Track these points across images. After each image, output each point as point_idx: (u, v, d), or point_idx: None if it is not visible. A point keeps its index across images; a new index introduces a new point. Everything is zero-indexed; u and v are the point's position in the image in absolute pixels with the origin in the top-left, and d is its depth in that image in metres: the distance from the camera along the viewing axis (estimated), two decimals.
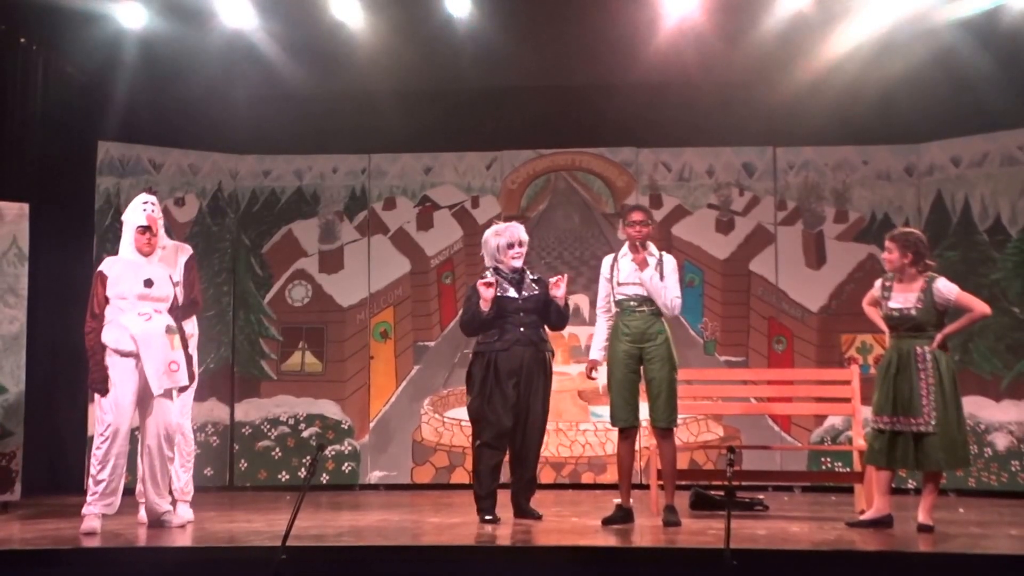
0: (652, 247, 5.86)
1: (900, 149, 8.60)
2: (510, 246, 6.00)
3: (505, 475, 6.07)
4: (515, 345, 5.91)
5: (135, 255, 5.73)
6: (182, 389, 5.78)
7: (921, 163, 8.53)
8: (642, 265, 5.72)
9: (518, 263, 6.01)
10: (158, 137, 8.63)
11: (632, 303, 5.76)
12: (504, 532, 5.50)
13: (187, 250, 6.18)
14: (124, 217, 5.86)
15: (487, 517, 5.84)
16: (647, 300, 5.73)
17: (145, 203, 5.77)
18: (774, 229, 8.71)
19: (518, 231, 6.04)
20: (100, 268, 5.74)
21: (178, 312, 5.82)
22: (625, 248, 5.86)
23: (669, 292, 5.75)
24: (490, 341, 5.95)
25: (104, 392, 5.55)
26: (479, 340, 6.01)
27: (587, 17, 8.06)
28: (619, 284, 5.81)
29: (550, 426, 8.81)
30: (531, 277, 6.07)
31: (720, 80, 8.52)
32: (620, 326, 5.78)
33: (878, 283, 5.77)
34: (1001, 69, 7.76)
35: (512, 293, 5.96)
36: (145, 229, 5.72)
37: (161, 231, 5.88)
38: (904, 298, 5.59)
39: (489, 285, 5.86)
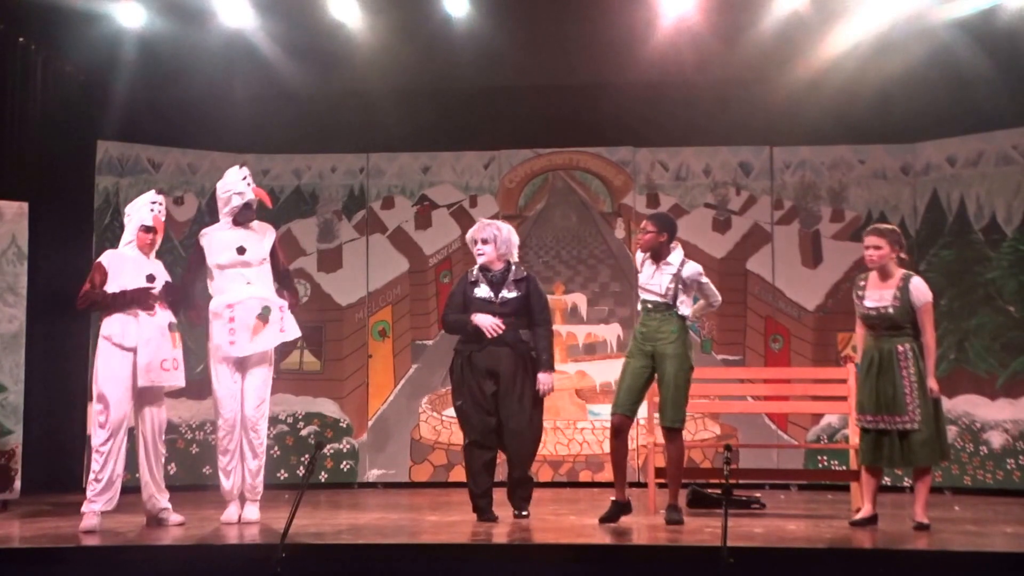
0: (674, 255, 5.81)
1: (896, 148, 8.63)
2: (473, 243, 6.04)
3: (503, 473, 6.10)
4: (490, 345, 5.89)
5: (136, 252, 5.73)
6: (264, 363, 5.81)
7: (917, 162, 8.56)
8: None
9: (481, 259, 5.99)
10: (157, 136, 8.64)
11: (649, 306, 5.81)
12: (501, 531, 5.52)
13: (273, 231, 6.13)
14: (129, 211, 5.84)
15: (484, 516, 5.86)
16: (662, 305, 5.77)
17: (153, 203, 5.77)
18: (771, 228, 8.74)
19: (476, 230, 6.03)
20: (100, 260, 5.75)
21: (283, 283, 5.95)
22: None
23: (713, 300, 5.94)
24: (467, 340, 5.96)
25: (147, 302, 5.54)
26: (459, 339, 6.05)
27: (584, 16, 8.08)
28: (640, 285, 5.87)
29: (547, 424, 8.87)
30: (515, 277, 5.99)
31: (717, 79, 8.54)
32: (638, 325, 5.86)
33: (854, 288, 5.78)
34: (997, 69, 7.78)
35: (490, 295, 5.95)
36: (149, 229, 5.74)
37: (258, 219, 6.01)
38: (879, 296, 5.58)
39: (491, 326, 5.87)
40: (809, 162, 8.77)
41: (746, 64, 8.22)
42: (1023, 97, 7.91)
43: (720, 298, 6.00)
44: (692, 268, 5.83)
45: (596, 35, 8.17)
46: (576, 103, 8.83)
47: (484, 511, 5.88)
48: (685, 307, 5.81)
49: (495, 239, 5.97)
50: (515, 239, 6.07)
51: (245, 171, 5.97)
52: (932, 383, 5.51)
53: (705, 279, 5.89)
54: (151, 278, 5.66)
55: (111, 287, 5.63)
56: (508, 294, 5.94)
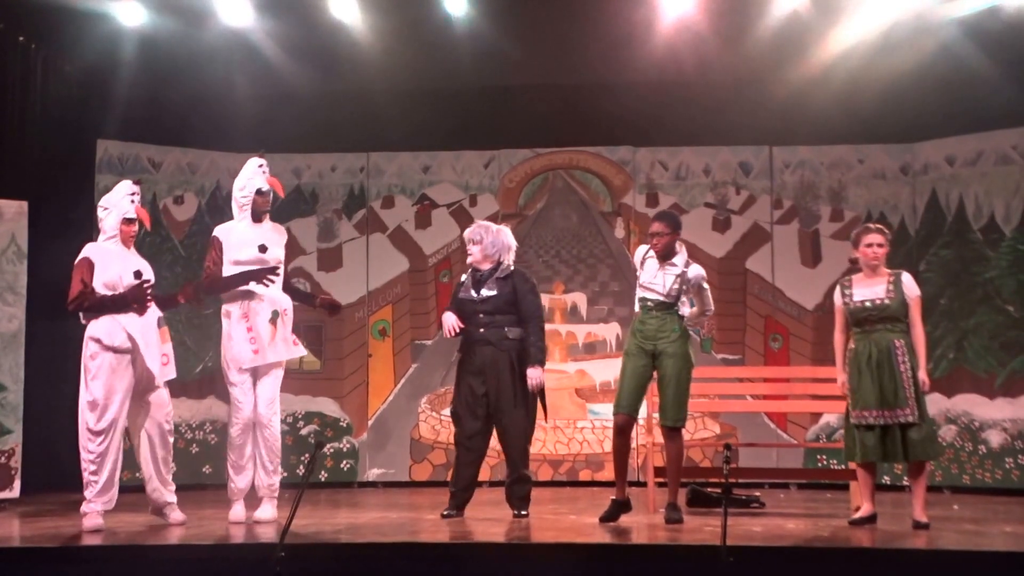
0: (679, 256, 5.82)
1: (895, 148, 8.64)
2: (467, 243, 6.09)
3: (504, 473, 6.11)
4: (475, 345, 5.95)
5: (118, 246, 5.59)
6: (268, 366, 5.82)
7: (916, 162, 8.57)
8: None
9: (469, 259, 6.06)
10: (157, 136, 8.64)
11: (649, 303, 5.79)
12: (501, 530, 5.52)
13: (285, 233, 6.14)
14: (105, 204, 5.67)
15: (444, 512, 5.91)
16: (664, 304, 5.76)
17: (132, 194, 5.64)
18: (770, 228, 8.75)
19: (468, 230, 6.09)
20: (85, 255, 5.55)
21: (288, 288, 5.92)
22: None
23: (708, 308, 5.91)
24: (462, 342, 6.03)
25: (145, 302, 5.47)
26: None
27: (585, 16, 8.09)
28: (641, 284, 5.86)
29: (547, 424, 8.86)
30: (500, 275, 5.97)
31: (717, 79, 8.54)
32: (636, 323, 5.84)
33: (837, 292, 5.78)
34: (996, 69, 7.78)
35: (472, 293, 5.98)
36: (132, 221, 5.61)
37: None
38: (872, 291, 5.63)
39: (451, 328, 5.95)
40: (809, 162, 8.78)
41: (746, 64, 8.23)
42: (1022, 97, 7.91)
43: (713, 307, 6.00)
44: (697, 270, 5.82)
45: (596, 35, 8.18)
46: (576, 102, 8.84)
47: (451, 507, 5.91)
48: (685, 307, 5.82)
49: (482, 239, 6.00)
50: (507, 241, 6.05)
51: (262, 161, 5.99)
52: (923, 375, 5.54)
53: (706, 285, 5.88)
54: (138, 274, 5.55)
55: (98, 281, 5.49)
56: (488, 292, 5.94)
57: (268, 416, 5.86)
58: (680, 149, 8.89)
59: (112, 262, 5.54)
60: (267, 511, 5.87)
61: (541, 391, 5.97)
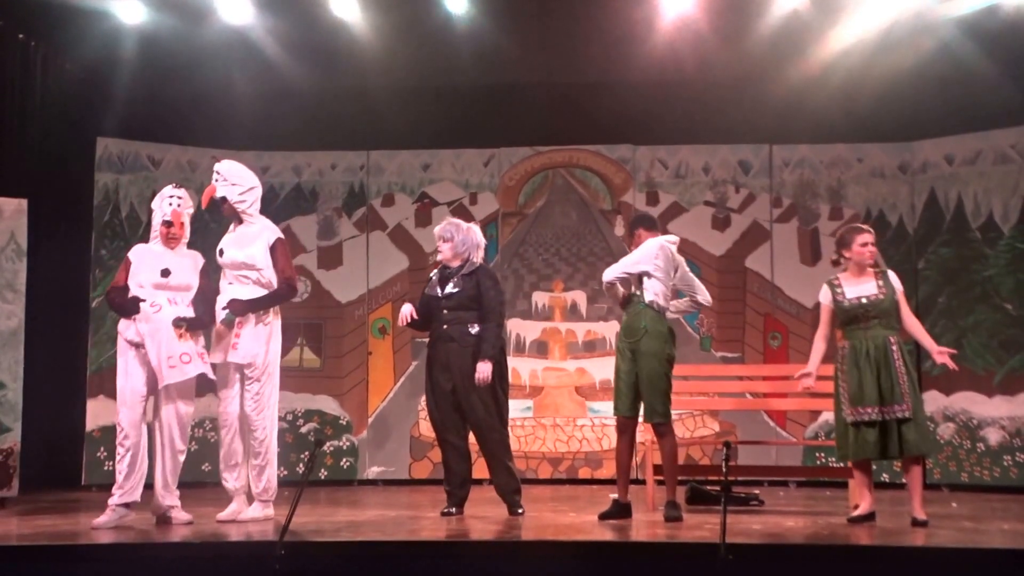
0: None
1: (894, 147, 8.65)
2: (437, 240, 6.13)
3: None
4: (438, 341, 5.99)
5: (160, 247, 5.75)
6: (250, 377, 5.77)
7: (915, 161, 8.58)
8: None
9: (439, 256, 6.10)
10: (157, 133, 8.65)
11: (633, 297, 5.84)
12: (500, 528, 5.53)
13: (273, 232, 5.92)
14: (152, 207, 5.87)
15: (443, 510, 5.95)
16: (635, 296, 5.79)
17: (171, 197, 5.76)
18: (770, 226, 8.75)
19: (439, 227, 6.12)
20: (127, 255, 5.79)
21: (273, 297, 5.80)
22: None
23: (619, 267, 5.79)
24: (429, 336, 6.09)
25: (135, 310, 5.55)
26: None
27: (585, 15, 8.09)
28: None
29: (547, 421, 8.84)
30: (465, 272, 6.00)
31: (717, 78, 8.55)
32: (623, 320, 5.89)
33: (825, 291, 5.77)
34: (994, 68, 7.80)
35: (437, 291, 6.02)
36: (169, 224, 5.73)
37: (255, 215, 5.89)
38: (865, 289, 5.66)
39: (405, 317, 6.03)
40: (808, 160, 8.79)
41: (746, 63, 8.24)
42: (1021, 96, 7.93)
43: (614, 272, 5.75)
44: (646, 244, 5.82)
45: (596, 33, 8.19)
46: (576, 101, 8.85)
47: (448, 504, 5.95)
48: (650, 292, 5.72)
49: (453, 237, 6.03)
50: (477, 239, 6.08)
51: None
52: (942, 348, 5.58)
53: (639, 249, 5.77)
54: (166, 272, 5.66)
55: (131, 280, 5.66)
56: (452, 289, 5.98)
57: (251, 418, 5.89)
58: (680, 147, 8.90)
59: (148, 262, 5.70)
60: (255, 511, 5.88)
61: (503, 385, 5.98)
